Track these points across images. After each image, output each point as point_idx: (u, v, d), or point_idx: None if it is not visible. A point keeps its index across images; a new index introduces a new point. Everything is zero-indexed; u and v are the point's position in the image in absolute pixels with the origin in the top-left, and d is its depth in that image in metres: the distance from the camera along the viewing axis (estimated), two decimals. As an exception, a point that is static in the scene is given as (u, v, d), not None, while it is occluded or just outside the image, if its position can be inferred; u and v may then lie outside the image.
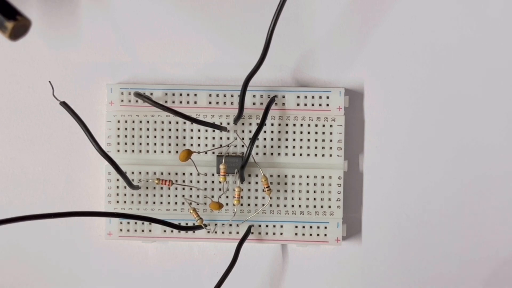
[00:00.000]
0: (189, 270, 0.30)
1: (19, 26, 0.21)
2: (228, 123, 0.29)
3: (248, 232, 0.29)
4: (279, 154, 0.29)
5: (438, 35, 0.29)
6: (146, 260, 0.30)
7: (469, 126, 0.29)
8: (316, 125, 0.29)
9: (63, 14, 0.29)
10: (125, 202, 0.29)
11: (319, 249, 0.30)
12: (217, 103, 0.29)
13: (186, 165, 0.29)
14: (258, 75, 0.28)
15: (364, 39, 0.29)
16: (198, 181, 0.29)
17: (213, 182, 0.29)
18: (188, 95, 0.29)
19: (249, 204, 0.29)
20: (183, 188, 0.29)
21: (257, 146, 0.29)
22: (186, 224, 0.29)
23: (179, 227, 0.28)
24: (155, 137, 0.29)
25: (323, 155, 0.29)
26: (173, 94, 0.29)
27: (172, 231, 0.29)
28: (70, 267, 0.30)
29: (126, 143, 0.29)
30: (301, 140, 0.29)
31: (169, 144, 0.29)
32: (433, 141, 0.29)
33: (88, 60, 0.30)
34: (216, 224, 0.29)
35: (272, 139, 0.29)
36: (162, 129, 0.29)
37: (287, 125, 0.29)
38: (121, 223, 0.29)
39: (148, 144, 0.29)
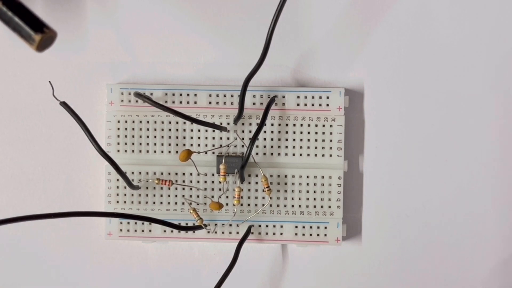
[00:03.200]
0: (189, 270, 0.30)
1: (46, 38, 0.21)
2: (228, 123, 0.29)
3: (248, 232, 0.29)
4: (279, 154, 0.29)
5: (438, 35, 0.29)
6: (146, 260, 0.30)
7: (469, 126, 0.29)
8: (316, 125, 0.29)
9: (64, 15, 0.29)
10: (125, 202, 0.29)
11: (319, 249, 0.30)
12: (217, 103, 0.29)
13: (186, 165, 0.29)
14: (258, 75, 0.28)
15: (364, 39, 0.29)
16: (198, 181, 0.29)
17: (213, 182, 0.29)
18: (188, 95, 0.29)
19: (249, 204, 0.29)
20: (183, 188, 0.29)
21: (257, 146, 0.29)
22: (186, 224, 0.29)
23: (179, 227, 0.28)
24: (155, 137, 0.29)
25: (323, 155, 0.29)
26: (173, 94, 0.29)
27: (172, 231, 0.29)
28: (70, 267, 0.30)
29: (126, 143, 0.29)
30: (301, 140, 0.29)
31: (169, 144, 0.29)
32: (433, 141, 0.29)
33: (88, 60, 0.30)
34: (216, 224, 0.29)
35: (272, 139, 0.29)
36: (162, 129, 0.29)
37: (287, 125, 0.29)
38: (121, 223, 0.29)
39: (148, 144, 0.29)
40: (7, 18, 0.21)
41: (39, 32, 0.21)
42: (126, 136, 0.29)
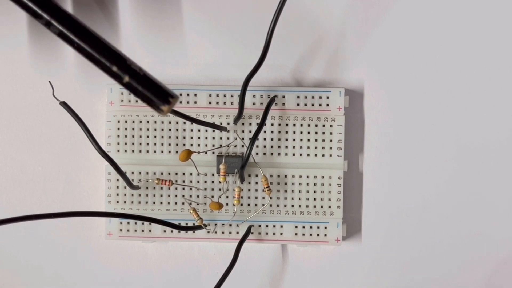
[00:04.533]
0: (189, 270, 0.30)
1: (172, 105, 0.22)
2: (228, 123, 0.29)
3: (248, 232, 0.29)
4: (279, 154, 0.29)
5: (438, 35, 0.29)
6: (146, 260, 0.30)
7: (469, 126, 0.29)
8: (316, 125, 0.29)
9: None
10: (125, 202, 0.29)
11: (319, 249, 0.30)
12: (217, 103, 0.29)
13: (186, 165, 0.29)
14: (258, 75, 0.28)
15: (364, 39, 0.29)
16: (198, 181, 0.29)
17: (213, 182, 0.29)
18: (188, 95, 0.29)
19: (249, 204, 0.29)
20: (183, 188, 0.29)
21: (257, 146, 0.29)
22: (186, 224, 0.29)
23: (179, 227, 0.28)
24: (155, 137, 0.29)
25: (323, 155, 0.29)
26: (173, 94, 0.29)
27: (172, 231, 0.29)
28: (70, 267, 0.30)
29: (126, 143, 0.29)
30: (301, 140, 0.29)
31: (169, 144, 0.29)
32: (433, 141, 0.29)
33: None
34: (216, 224, 0.29)
35: (272, 139, 0.29)
36: (162, 129, 0.29)
37: (287, 125, 0.29)
38: (121, 223, 0.29)
39: (148, 144, 0.29)
40: (136, 92, 0.21)
41: (166, 104, 0.22)
42: (126, 136, 0.29)
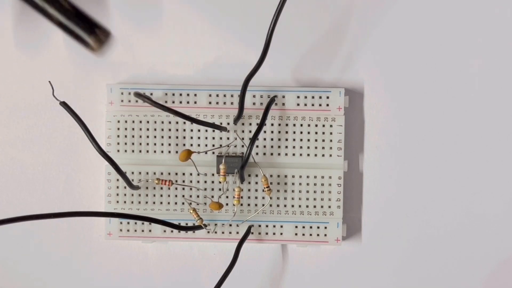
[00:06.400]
0: (189, 270, 0.30)
1: (100, 39, 0.21)
2: (228, 123, 0.29)
3: (248, 232, 0.29)
4: (279, 154, 0.29)
5: (439, 35, 0.29)
6: (146, 260, 0.30)
7: (469, 126, 0.29)
8: (316, 125, 0.29)
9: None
10: (125, 202, 0.29)
11: (319, 249, 0.30)
12: (217, 103, 0.29)
13: (186, 165, 0.29)
14: (258, 75, 0.27)
15: (364, 39, 0.29)
16: (198, 181, 0.29)
17: (213, 182, 0.29)
18: (188, 95, 0.29)
19: (249, 204, 0.29)
20: (183, 188, 0.29)
21: (257, 146, 0.29)
22: (186, 224, 0.29)
23: (179, 227, 0.28)
24: (155, 137, 0.29)
25: (323, 155, 0.29)
26: (173, 94, 0.29)
27: (172, 231, 0.29)
28: (69, 267, 0.30)
29: (126, 143, 0.29)
30: (301, 140, 0.29)
31: (169, 144, 0.29)
32: (433, 141, 0.29)
33: (88, 60, 0.30)
34: (216, 224, 0.29)
35: (272, 139, 0.29)
36: (162, 129, 0.29)
37: (287, 125, 0.29)
38: (121, 223, 0.29)
39: (148, 144, 0.29)
40: (58, 21, 0.21)
41: (92, 34, 0.21)
42: (126, 136, 0.29)
